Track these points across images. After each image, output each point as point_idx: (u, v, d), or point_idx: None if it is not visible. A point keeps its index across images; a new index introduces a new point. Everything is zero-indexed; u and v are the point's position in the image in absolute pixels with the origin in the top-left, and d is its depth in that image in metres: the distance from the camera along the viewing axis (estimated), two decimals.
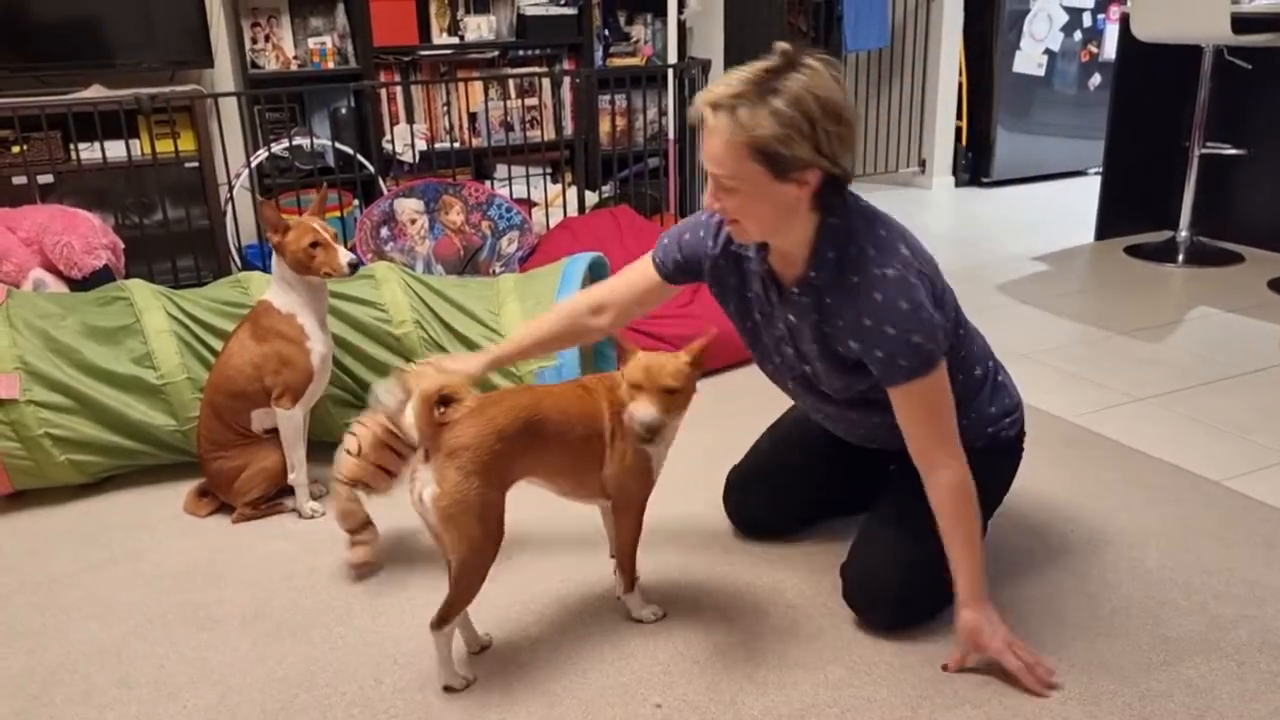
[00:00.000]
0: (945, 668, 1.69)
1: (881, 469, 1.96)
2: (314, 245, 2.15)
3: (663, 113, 4.47)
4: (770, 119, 1.44)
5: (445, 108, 4.24)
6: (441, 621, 1.63)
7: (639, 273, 1.84)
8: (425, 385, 1.57)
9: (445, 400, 1.60)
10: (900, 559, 1.76)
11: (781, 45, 1.49)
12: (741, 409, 2.72)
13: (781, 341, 1.77)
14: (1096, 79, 5.72)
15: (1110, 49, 5.54)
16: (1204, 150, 4.12)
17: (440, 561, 2.08)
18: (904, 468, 1.82)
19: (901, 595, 1.76)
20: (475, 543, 1.59)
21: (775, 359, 1.82)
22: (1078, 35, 5.62)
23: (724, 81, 1.49)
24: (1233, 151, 4.13)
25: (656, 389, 1.63)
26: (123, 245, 3.40)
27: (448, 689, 1.67)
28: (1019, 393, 1.93)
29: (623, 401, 1.68)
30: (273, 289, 2.23)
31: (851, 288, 1.58)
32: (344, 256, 2.16)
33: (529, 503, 2.27)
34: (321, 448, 2.56)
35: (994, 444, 1.85)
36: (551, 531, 2.18)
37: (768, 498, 2.08)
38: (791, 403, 2.16)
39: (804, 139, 1.46)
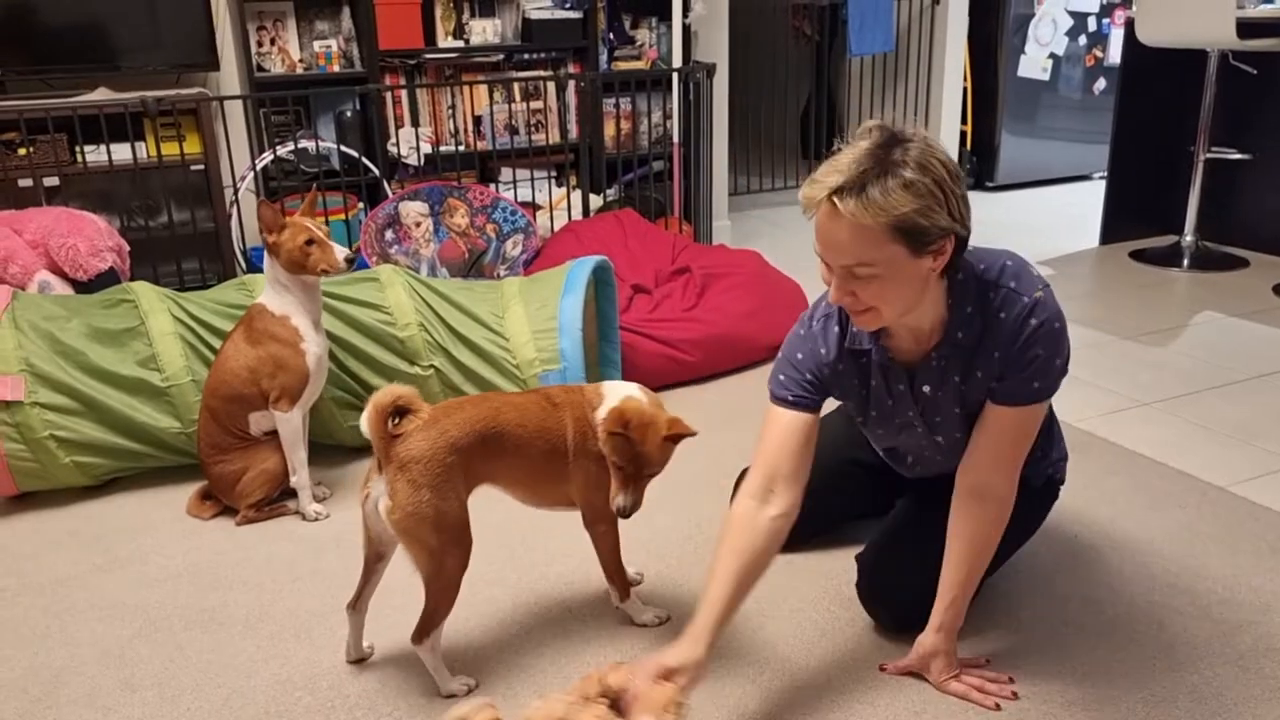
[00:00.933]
0: (883, 668, 1.70)
1: (896, 485, 1.95)
2: (309, 243, 2.15)
3: (667, 116, 4.47)
4: (905, 193, 1.34)
5: (450, 111, 4.24)
6: (421, 635, 1.63)
7: (782, 431, 1.61)
8: (379, 396, 1.55)
9: (400, 411, 1.58)
10: (921, 559, 1.74)
11: (872, 121, 1.41)
12: (751, 410, 2.72)
13: (908, 426, 1.68)
14: (1101, 83, 5.71)
15: (1115, 53, 5.53)
16: (1209, 155, 4.12)
17: None
18: (920, 484, 1.83)
19: (919, 595, 1.74)
20: (434, 553, 1.59)
21: (903, 439, 1.73)
22: (1082, 40, 5.61)
23: (833, 168, 1.37)
24: (1238, 156, 4.12)
25: (640, 476, 1.65)
26: (128, 248, 3.41)
27: (450, 697, 1.66)
28: None
29: (589, 421, 1.69)
30: (266, 292, 2.24)
31: (1001, 323, 1.52)
32: (340, 252, 2.17)
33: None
34: (323, 450, 2.57)
35: (1049, 484, 1.86)
36: (555, 532, 2.18)
37: None
38: None
39: (941, 207, 1.36)
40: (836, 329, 1.61)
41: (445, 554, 1.60)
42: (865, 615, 1.85)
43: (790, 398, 1.62)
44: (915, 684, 1.68)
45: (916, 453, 1.76)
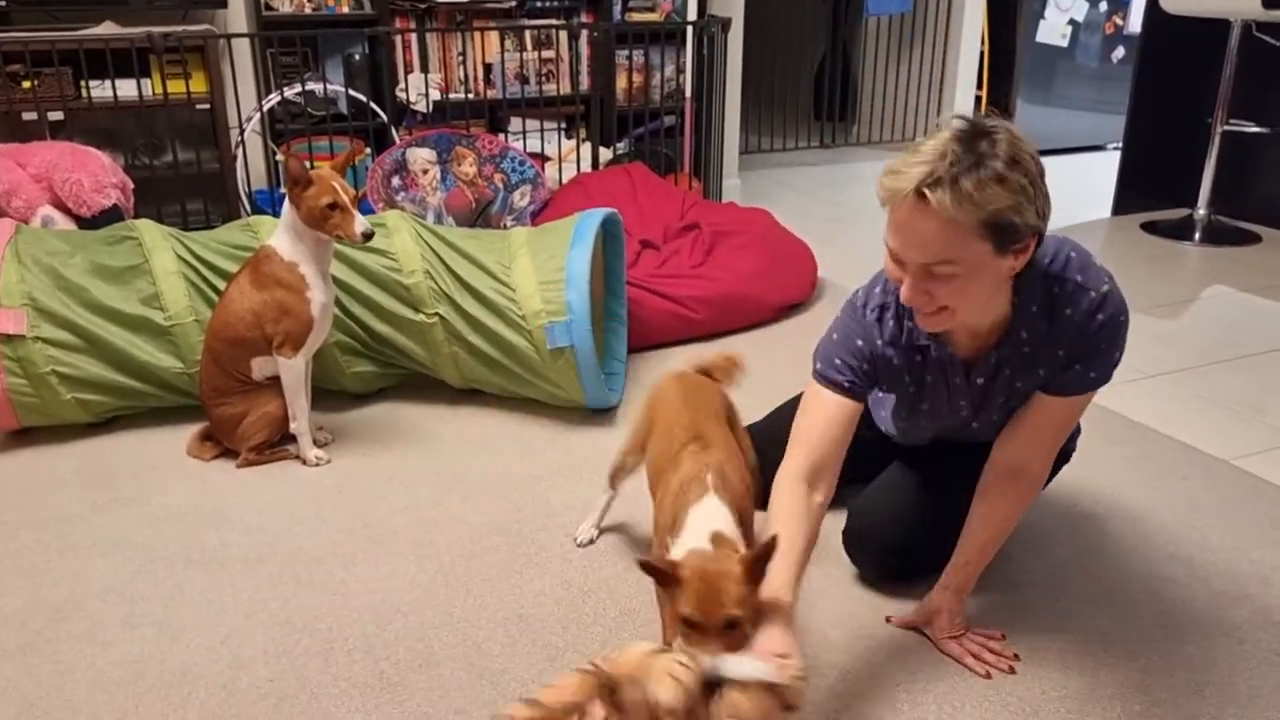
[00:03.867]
0: (889, 619, 1.73)
1: (890, 454, 1.94)
2: (332, 206, 2.11)
3: (680, 70, 4.41)
4: (999, 187, 1.26)
5: (460, 58, 4.19)
6: None
7: (831, 417, 1.54)
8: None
9: None
10: (902, 510, 1.77)
11: (956, 116, 1.32)
12: (757, 370, 2.70)
13: (955, 415, 1.64)
14: (1120, 51, 5.63)
15: (1136, 21, 5.45)
16: (1226, 127, 4.07)
17: (438, 510, 2.09)
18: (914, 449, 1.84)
19: (898, 544, 1.77)
20: None
21: (938, 423, 1.69)
22: (1103, 6, 5.53)
23: (918, 159, 1.29)
24: (1256, 130, 4.07)
25: (716, 626, 1.23)
26: (132, 185, 3.38)
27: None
28: None
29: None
30: (279, 235, 2.20)
31: (1067, 320, 1.46)
32: (359, 225, 2.12)
33: (537, 495, 2.27)
34: (327, 395, 2.56)
35: (1063, 453, 1.85)
36: (557, 485, 2.18)
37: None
38: None
39: (1031, 204, 1.29)
40: (893, 322, 1.54)
41: None
42: (862, 576, 1.85)
43: (845, 383, 1.55)
44: (915, 644, 1.68)
45: (947, 434, 1.73)
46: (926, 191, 1.27)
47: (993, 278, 1.36)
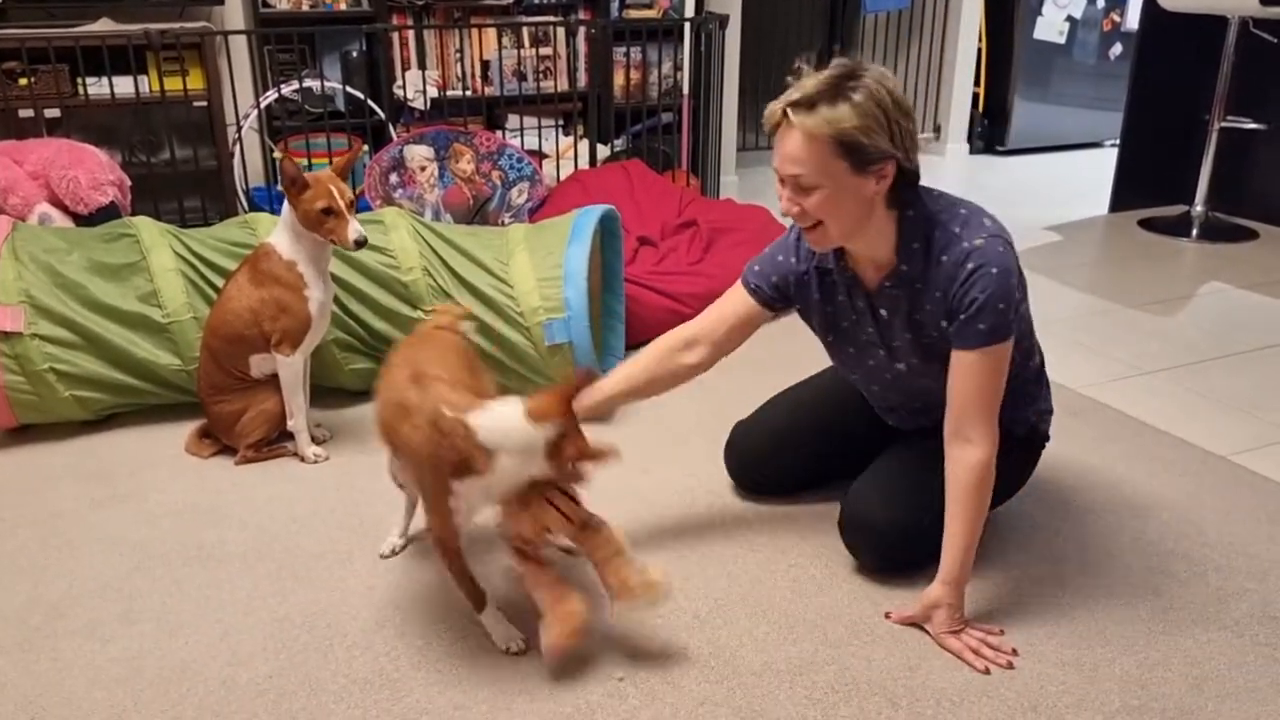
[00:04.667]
0: (888, 615, 1.74)
1: (890, 439, 1.96)
2: (326, 211, 2.10)
3: (678, 67, 4.41)
4: (851, 111, 1.49)
5: (458, 55, 4.18)
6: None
7: (732, 303, 1.83)
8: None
9: None
10: (897, 499, 1.79)
11: (840, 59, 1.55)
12: (751, 365, 2.71)
13: (871, 345, 1.79)
14: (1118, 48, 5.64)
15: (1133, 18, 5.45)
16: (1224, 124, 4.07)
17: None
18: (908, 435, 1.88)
19: (891, 534, 1.78)
20: None
21: (866, 363, 1.83)
22: (1101, 3, 5.53)
23: (797, 87, 1.54)
24: (1253, 126, 4.08)
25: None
26: (129, 182, 3.38)
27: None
28: None
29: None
30: (278, 233, 2.20)
31: (942, 266, 1.61)
32: (353, 232, 2.09)
33: None
34: (325, 393, 2.56)
35: (1033, 436, 1.89)
36: None
37: (773, 458, 2.07)
38: (808, 372, 2.15)
39: (882, 130, 1.51)
40: (806, 239, 1.68)
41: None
42: (863, 571, 1.85)
43: (753, 285, 1.81)
44: (913, 639, 1.68)
45: (881, 382, 1.83)
46: (789, 110, 1.53)
47: (856, 197, 1.56)
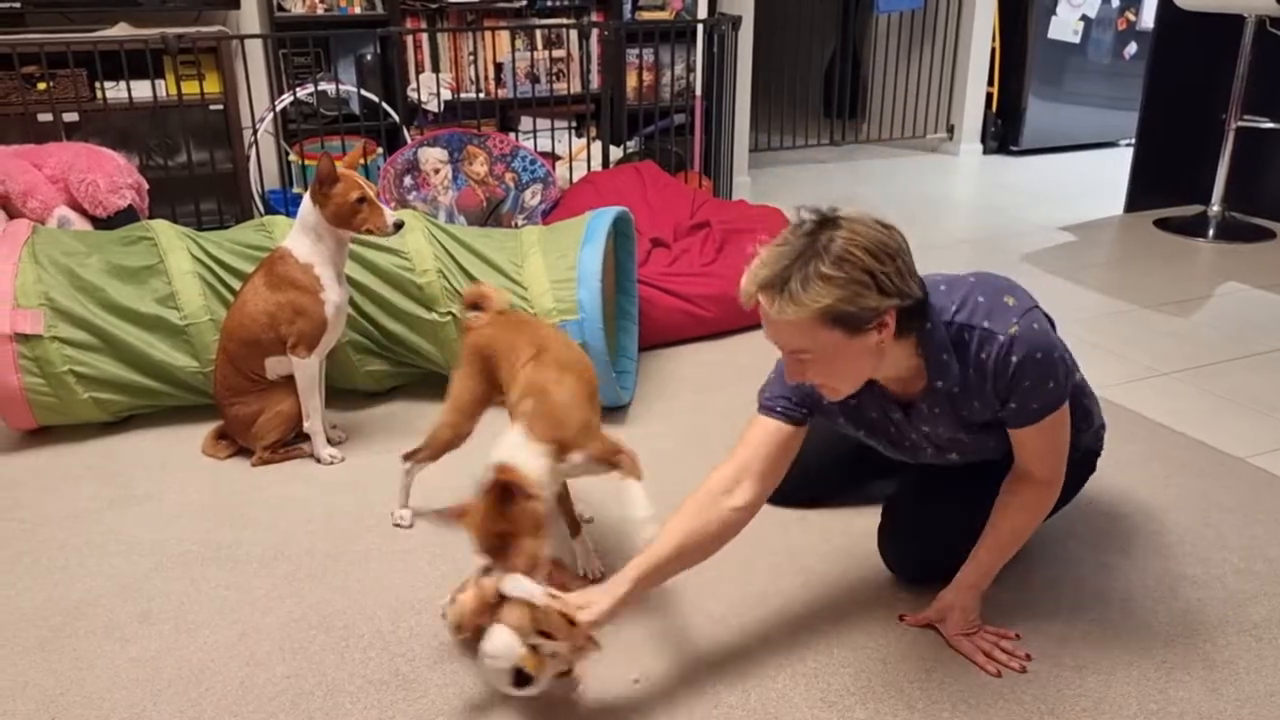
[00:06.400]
0: (902, 618, 1.73)
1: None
2: (360, 200, 2.13)
3: (690, 69, 4.41)
4: (825, 285, 1.35)
5: (471, 57, 4.20)
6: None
7: (763, 436, 1.63)
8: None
9: None
10: (941, 514, 1.77)
11: (805, 209, 1.42)
12: (765, 368, 2.71)
13: (917, 447, 1.70)
14: (1133, 48, 5.61)
15: (1148, 17, 5.43)
16: (1240, 124, 4.05)
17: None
18: None
19: (937, 546, 1.76)
20: None
21: (916, 457, 1.74)
22: (1115, 2, 5.50)
23: (763, 261, 1.41)
24: (1270, 125, 4.05)
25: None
26: (147, 186, 3.40)
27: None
28: None
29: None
30: (295, 237, 2.21)
31: (984, 365, 1.52)
32: (390, 216, 2.15)
33: None
34: (341, 394, 2.57)
35: (1087, 456, 1.86)
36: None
37: (804, 471, 2.04)
38: None
39: (869, 289, 1.37)
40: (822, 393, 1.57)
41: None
42: (880, 573, 1.85)
43: (778, 409, 1.63)
44: (930, 642, 1.68)
45: (932, 460, 1.75)
46: (762, 297, 1.40)
47: (861, 354, 1.43)
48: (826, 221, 1.39)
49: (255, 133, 3.82)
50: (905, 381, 1.58)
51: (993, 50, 5.53)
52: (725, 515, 1.58)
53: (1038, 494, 1.62)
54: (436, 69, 4.17)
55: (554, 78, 4.31)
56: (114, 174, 3.19)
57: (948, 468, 1.79)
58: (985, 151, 5.71)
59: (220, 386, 2.29)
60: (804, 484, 1.99)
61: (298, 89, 3.84)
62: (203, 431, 2.40)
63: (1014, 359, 1.49)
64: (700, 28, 4.28)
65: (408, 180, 3.67)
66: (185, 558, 1.94)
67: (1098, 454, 1.89)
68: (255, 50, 3.98)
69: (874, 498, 2.02)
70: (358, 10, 4.04)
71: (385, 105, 3.98)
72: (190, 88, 3.67)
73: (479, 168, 3.76)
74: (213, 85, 3.74)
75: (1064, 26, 5.45)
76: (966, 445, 1.66)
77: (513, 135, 4.05)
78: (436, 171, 3.71)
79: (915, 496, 1.84)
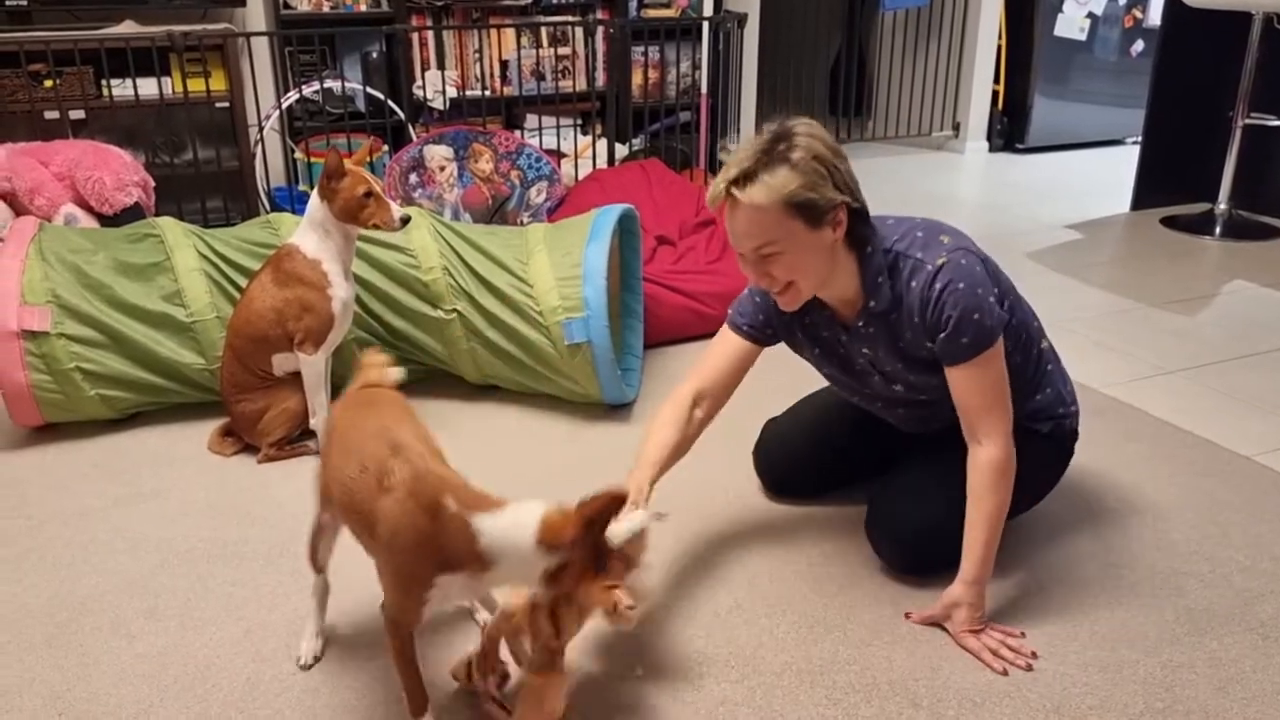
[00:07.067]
0: (908, 615, 1.74)
1: (918, 439, 1.96)
2: (367, 195, 2.14)
3: (696, 66, 4.41)
4: (791, 173, 1.51)
5: (477, 55, 4.20)
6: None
7: (723, 347, 1.83)
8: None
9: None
10: (924, 499, 1.80)
11: (767, 123, 1.58)
12: (768, 365, 2.70)
13: (865, 374, 1.80)
14: (1139, 45, 5.60)
15: (1155, 14, 5.41)
16: (1247, 121, 4.04)
17: None
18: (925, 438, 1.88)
19: (919, 534, 1.79)
20: None
21: (864, 390, 1.85)
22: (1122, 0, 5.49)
23: (732, 162, 1.56)
24: (1277, 123, 4.04)
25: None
26: (153, 183, 3.41)
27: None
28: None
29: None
30: (302, 233, 2.21)
31: (912, 292, 1.64)
32: (396, 211, 2.16)
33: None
34: None
35: (1058, 431, 1.87)
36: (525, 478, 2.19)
37: (805, 455, 2.08)
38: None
39: (825, 180, 1.53)
40: (779, 301, 1.68)
41: None
42: (884, 571, 1.85)
43: (744, 326, 1.81)
44: (935, 639, 1.68)
45: (885, 400, 1.84)
46: (734, 190, 1.54)
47: (819, 249, 1.58)
48: (785, 129, 1.56)
49: (261, 130, 3.83)
50: (848, 303, 1.71)
51: (999, 48, 5.52)
52: (695, 428, 1.81)
53: (995, 469, 1.63)
54: (442, 66, 4.17)
55: (559, 75, 4.31)
56: (120, 171, 3.20)
57: (927, 462, 1.84)
58: (991, 149, 5.70)
59: (227, 383, 2.30)
60: (796, 469, 2.09)
61: (303, 86, 3.84)
62: (209, 429, 2.40)
63: (937, 286, 1.60)
64: (706, 25, 4.27)
65: (413, 178, 3.67)
66: (191, 554, 1.94)
67: (1072, 437, 1.91)
68: (261, 48, 3.98)
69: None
70: (363, 8, 4.04)
71: (391, 103, 3.99)
72: (196, 85, 3.67)
73: (484, 165, 3.76)
74: (219, 83, 3.75)
75: (1070, 24, 5.43)
76: (911, 382, 1.75)
77: (518, 133, 4.05)
78: (442, 169, 3.71)
79: (894, 485, 1.88)
